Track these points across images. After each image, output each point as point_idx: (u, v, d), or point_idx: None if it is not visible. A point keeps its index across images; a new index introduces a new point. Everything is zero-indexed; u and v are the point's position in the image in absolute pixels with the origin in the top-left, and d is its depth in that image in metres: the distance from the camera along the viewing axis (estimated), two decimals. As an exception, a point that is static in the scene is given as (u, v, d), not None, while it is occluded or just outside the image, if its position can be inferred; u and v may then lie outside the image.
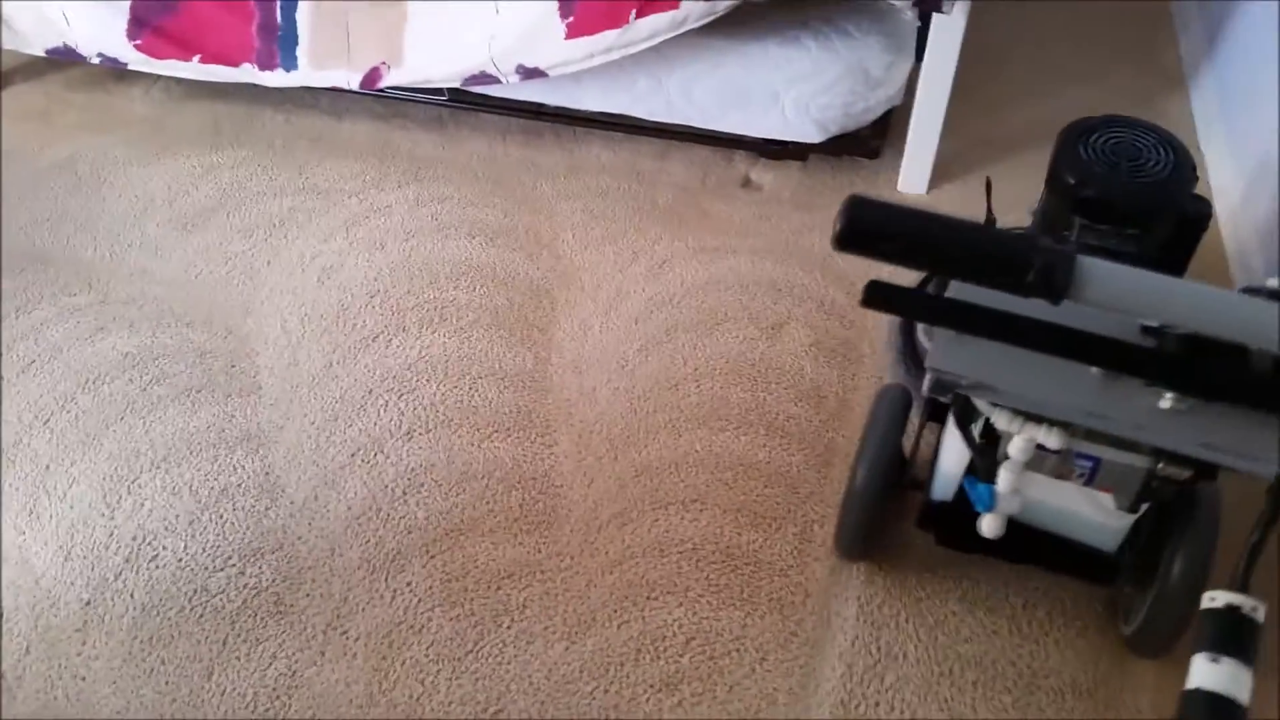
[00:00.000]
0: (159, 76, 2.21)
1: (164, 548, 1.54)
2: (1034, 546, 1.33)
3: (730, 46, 1.88)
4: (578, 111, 2.06)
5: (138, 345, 1.82)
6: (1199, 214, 1.30)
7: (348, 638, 1.45)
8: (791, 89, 1.90)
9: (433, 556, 1.52)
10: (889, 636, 1.43)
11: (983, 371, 0.72)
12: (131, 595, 1.49)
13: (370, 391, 1.74)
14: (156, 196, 2.09)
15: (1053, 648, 1.41)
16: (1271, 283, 1.22)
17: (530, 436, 1.67)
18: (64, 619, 1.46)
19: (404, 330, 1.83)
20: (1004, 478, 1.18)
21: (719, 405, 1.70)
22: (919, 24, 1.83)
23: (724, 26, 1.80)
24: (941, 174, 2.02)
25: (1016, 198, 2.01)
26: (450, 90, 2.07)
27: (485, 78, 1.91)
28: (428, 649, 1.43)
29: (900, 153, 2.00)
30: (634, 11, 1.73)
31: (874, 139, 2.00)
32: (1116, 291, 0.63)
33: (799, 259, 1.93)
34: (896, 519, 1.48)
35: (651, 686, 1.39)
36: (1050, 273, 0.58)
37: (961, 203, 2.01)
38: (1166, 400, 0.70)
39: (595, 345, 1.81)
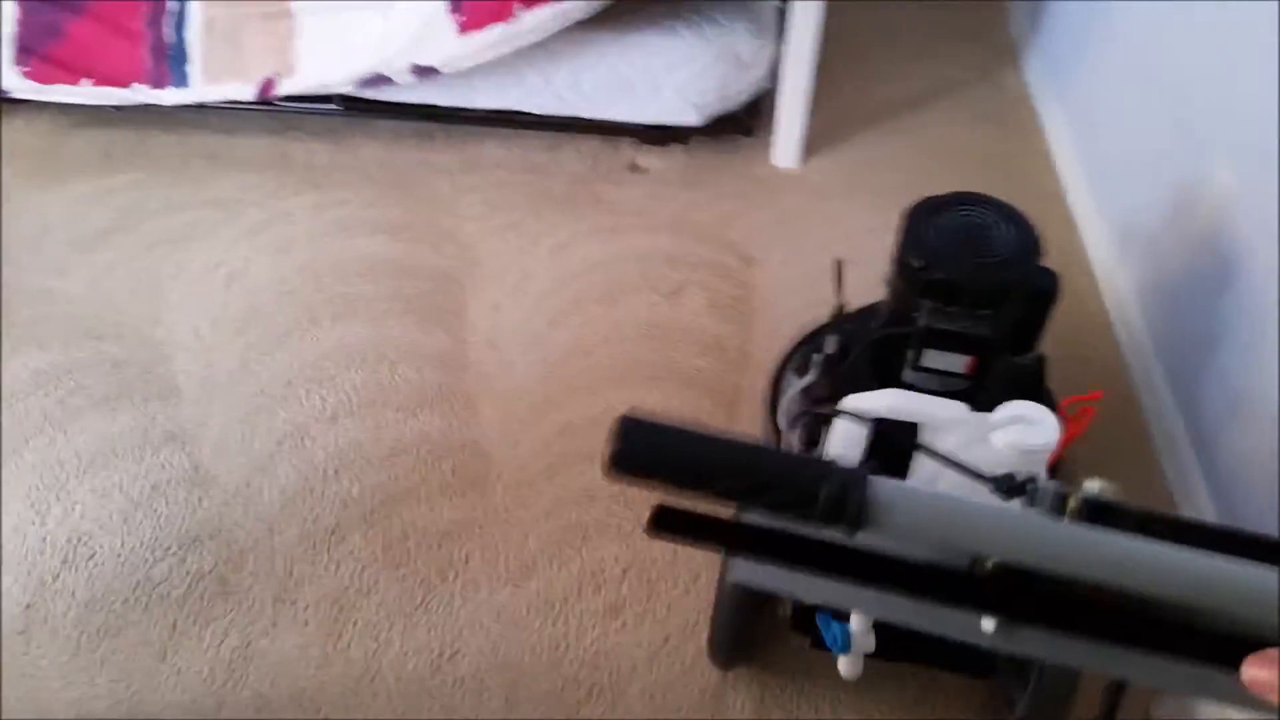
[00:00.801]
0: (45, 107, 2.21)
1: (100, 546, 1.55)
2: (909, 644, 1.20)
3: (612, 39, 2.02)
4: (471, 111, 2.16)
5: (49, 362, 1.82)
6: (1047, 288, 1.29)
7: (297, 607, 1.49)
8: (671, 76, 2.04)
9: (371, 526, 1.58)
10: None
11: (788, 581, 0.67)
12: (73, 594, 1.50)
13: (289, 383, 1.79)
14: (53, 221, 2.09)
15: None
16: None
17: (454, 409, 1.75)
18: (5, 624, 1.46)
19: (317, 324, 1.89)
20: (856, 622, 1.16)
21: (630, 365, 1.82)
22: (780, 6, 2.01)
23: (605, 20, 1.93)
24: (812, 147, 2.20)
25: (884, 161, 2.22)
26: (342, 99, 2.14)
27: (379, 79, 2.00)
28: (377, 609, 1.49)
29: (774, 131, 2.17)
30: (519, 6, 1.85)
31: (749, 119, 2.16)
32: (920, 520, 0.56)
33: (690, 231, 2.07)
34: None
35: (596, 615, 1.48)
36: (841, 500, 0.53)
37: (833, 171, 2.19)
38: (989, 621, 0.64)
39: (508, 322, 1.90)
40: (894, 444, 1.07)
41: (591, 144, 2.25)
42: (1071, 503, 0.57)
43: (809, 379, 1.38)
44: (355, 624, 1.47)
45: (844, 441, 1.08)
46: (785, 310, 1.90)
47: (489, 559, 1.54)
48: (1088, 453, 1.43)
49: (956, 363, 1.25)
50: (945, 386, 1.28)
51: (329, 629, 1.46)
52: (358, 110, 2.20)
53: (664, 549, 1.54)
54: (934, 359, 1.25)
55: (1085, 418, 1.33)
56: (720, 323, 1.89)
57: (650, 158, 2.23)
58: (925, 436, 1.06)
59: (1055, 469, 1.35)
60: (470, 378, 1.80)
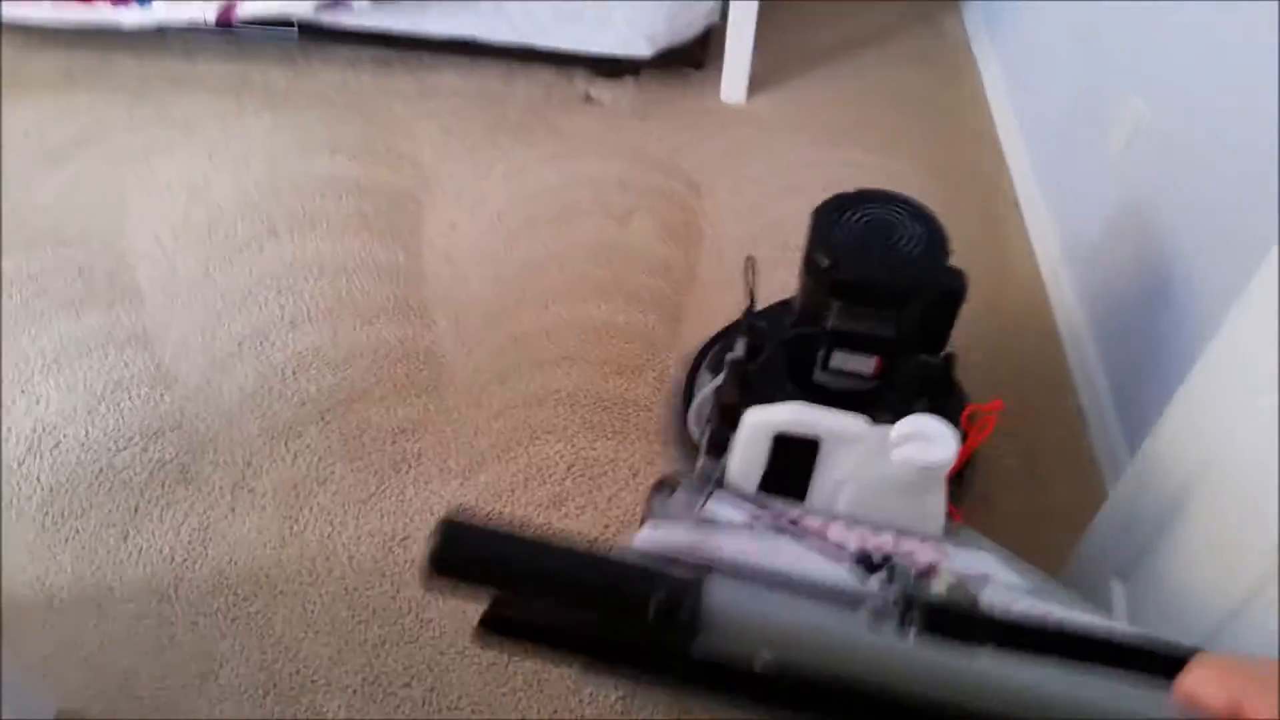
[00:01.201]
0: (4, 28, 2.23)
1: (65, 435, 1.62)
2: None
3: (565, -32, 2.09)
4: (426, 37, 2.21)
5: (12, 267, 1.87)
6: (955, 288, 1.27)
7: (255, 494, 1.56)
8: (621, 6, 2.11)
9: (328, 422, 1.66)
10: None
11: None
12: (38, 479, 1.56)
13: (249, 291, 1.85)
14: (16, 136, 2.12)
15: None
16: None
17: (410, 319, 1.82)
18: (-30, 503, 1.52)
19: (276, 237, 1.95)
20: None
21: (581, 282, 1.90)
22: (729, -59, 2.09)
23: (558, -51, 2.00)
24: (758, 84, 2.29)
25: (826, 100, 2.31)
26: (300, 25, 2.19)
27: (337, 2, 2.05)
28: (333, 496, 1.57)
29: (719, 66, 2.25)
30: (476, -68, 1.91)
31: (698, 51, 2.24)
32: (752, 631, 0.52)
33: (641, 160, 2.15)
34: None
35: (541, 505, 1.57)
36: (673, 609, 0.50)
37: (778, 107, 2.29)
38: None
39: (463, 239, 1.97)
40: (796, 454, 1.06)
41: (546, 75, 2.32)
42: (919, 604, 0.55)
43: (721, 379, 1.38)
44: (311, 510, 1.55)
45: (747, 452, 1.07)
46: (731, 236, 2.00)
47: (441, 454, 1.63)
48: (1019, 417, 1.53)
49: (865, 364, 1.26)
50: (855, 386, 1.29)
51: (286, 514, 1.54)
52: (315, 36, 2.25)
53: (606, 448, 1.64)
54: (842, 360, 1.25)
55: (988, 427, 1.29)
56: (668, 245, 1.98)
57: (603, 89, 2.31)
58: (826, 450, 1.06)
59: (960, 475, 1.38)
60: (426, 290, 1.88)
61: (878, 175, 2.10)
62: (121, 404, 1.66)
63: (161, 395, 1.68)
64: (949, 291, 1.27)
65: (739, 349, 1.38)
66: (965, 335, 1.80)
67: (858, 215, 1.27)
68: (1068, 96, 1.91)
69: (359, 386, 1.71)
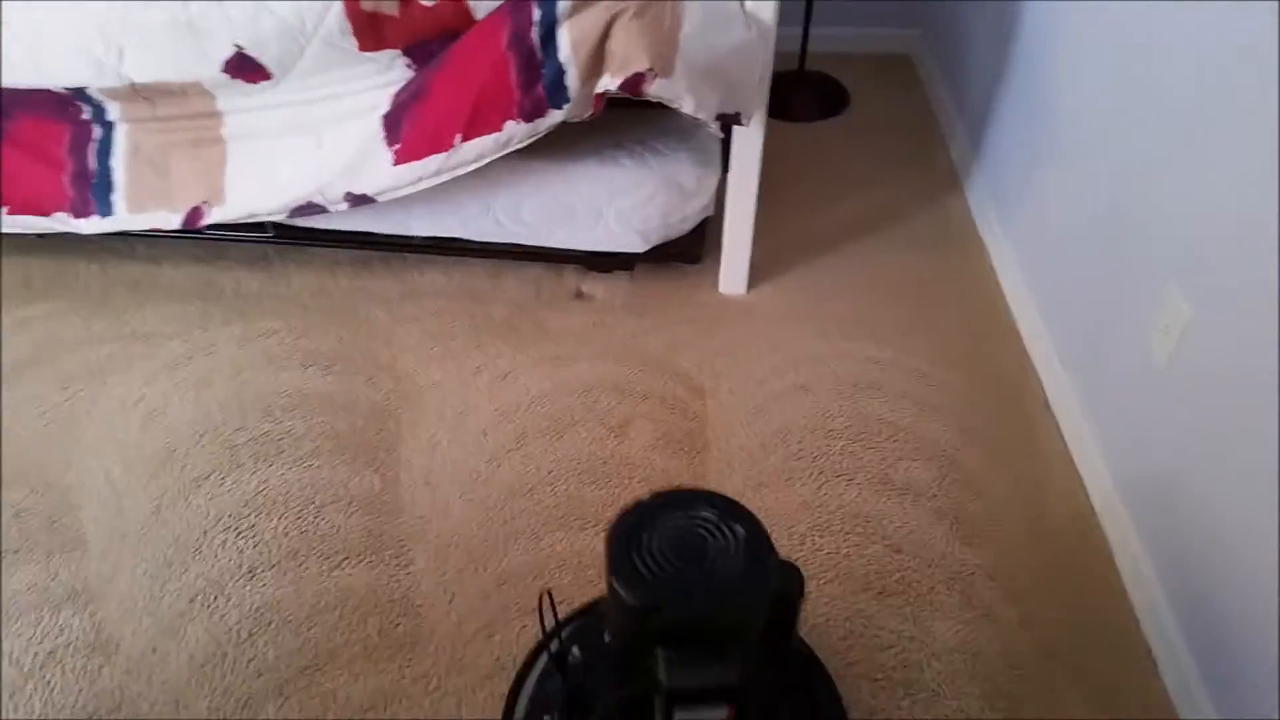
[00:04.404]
0: (-43, 232, 2.11)
1: (-20, 725, 1.40)
2: None
3: (552, 167, 1.98)
4: (408, 239, 2.10)
5: (-59, 511, 1.68)
6: (791, 587, 1.09)
7: (200, 795, 1.34)
8: (613, 204, 2.00)
9: (287, 698, 1.44)
10: None
11: None
12: (-58, 784, 1.34)
13: (205, 533, 1.66)
14: (-42, 354, 1.97)
15: None
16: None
17: (384, 559, 1.63)
18: None
19: (238, 466, 1.77)
20: None
21: (576, 506, 1.72)
22: (722, 137, 1.99)
23: (545, 148, 1.89)
24: (758, 274, 2.16)
25: (830, 290, 2.18)
26: (275, 226, 2.08)
27: (312, 208, 1.93)
28: (291, 794, 1.34)
29: (719, 258, 2.13)
30: (459, 135, 1.80)
31: (694, 246, 2.13)
32: None
33: (637, 361, 2.00)
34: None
35: (534, 797, 1.34)
36: None
37: (780, 299, 2.15)
38: None
39: (445, 460, 1.80)
40: None
41: (534, 271, 2.19)
42: None
43: None
44: (265, 813, 1.32)
45: None
46: (738, 444, 1.83)
47: (417, 732, 1.41)
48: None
49: (715, 715, 1.04)
50: None
51: (235, 820, 1.31)
52: (291, 238, 2.13)
53: None
54: (688, 713, 1.04)
55: None
56: (670, 457, 1.81)
57: (595, 285, 2.18)
58: None
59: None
60: (403, 522, 1.69)
61: (893, 371, 1.96)
62: (52, 680, 1.45)
63: (100, 668, 1.47)
64: (787, 592, 1.08)
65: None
66: (1009, 562, 1.62)
67: (662, 532, 1.03)
68: (1094, 288, 1.77)
69: (324, 649, 1.50)
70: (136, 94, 1.88)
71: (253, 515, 1.69)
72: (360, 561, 1.62)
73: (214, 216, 1.96)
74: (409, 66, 1.84)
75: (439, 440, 1.83)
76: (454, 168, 1.84)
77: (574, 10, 1.72)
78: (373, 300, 2.13)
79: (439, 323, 2.08)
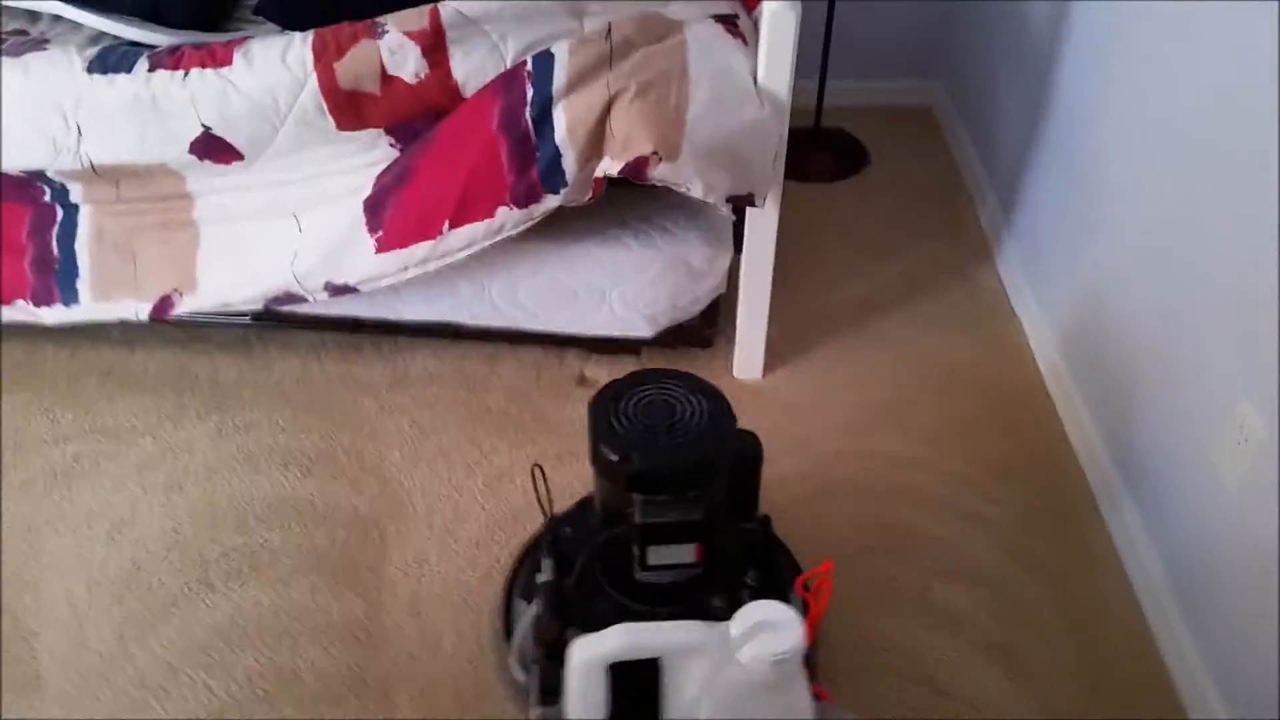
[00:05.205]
0: (-85, 319, 1.97)
1: None
2: None
3: (551, 249, 1.83)
4: (398, 322, 1.95)
5: (-120, 646, 1.53)
6: (751, 452, 1.31)
7: None
8: (617, 286, 1.85)
9: None
10: None
11: None
12: None
13: (171, 669, 1.51)
14: (-89, 460, 1.82)
15: None
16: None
17: (365, 703, 1.47)
18: None
19: (209, 587, 1.62)
20: None
21: (576, 634, 1.56)
22: (734, 218, 1.84)
23: (543, 229, 1.74)
24: (774, 357, 2.00)
25: (853, 375, 2.02)
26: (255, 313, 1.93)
27: (290, 297, 1.78)
28: None
29: (732, 339, 1.97)
30: (447, 222, 1.66)
31: (705, 328, 1.97)
32: None
33: (644, 458, 1.83)
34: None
35: None
36: None
37: (799, 385, 1.99)
38: None
39: (434, 580, 1.64)
40: (639, 681, 1.03)
41: (533, 355, 2.04)
42: None
43: (535, 610, 1.29)
44: None
45: (585, 696, 1.02)
46: (753, 556, 1.66)
47: None
48: None
49: (684, 552, 1.22)
50: (680, 577, 1.26)
51: None
52: (274, 321, 1.98)
53: None
54: (660, 554, 1.22)
55: (825, 591, 1.25)
56: (679, 573, 1.64)
57: (599, 369, 2.02)
58: (670, 667, 1.03)
59: (815, 648, 1.35)
60: (386, 658, 1.53)
61: (924, 474, 1.80)
62: None
63: (43, 839, 1.31)
64: (747, 456, 1.33)
65: (547, 569, 1.32)
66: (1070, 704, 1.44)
67: (634, 401, 1.25)
68: (1147, 386, 1.60)
69: (297, 812, 1.34)
70: (99, 175, 1.74)
71: (225, 648, 1.53)
72: (338, 705, 1.46)
73: (185, 306, 1.82)
74: (393, 145, 1.70)
75: (427, 556, 1.67)
76: (442, 256, 1.70)
77: (571, 88, 1.57)
78: (359, 388, 1.98)
79: (430, 414, 1.92)
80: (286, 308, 1.84)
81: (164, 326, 2.05)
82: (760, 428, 1.89)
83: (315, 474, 1.80)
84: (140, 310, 1.83)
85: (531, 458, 1.82)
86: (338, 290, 1.76)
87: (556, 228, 1.80)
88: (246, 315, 1.94)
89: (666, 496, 1.18)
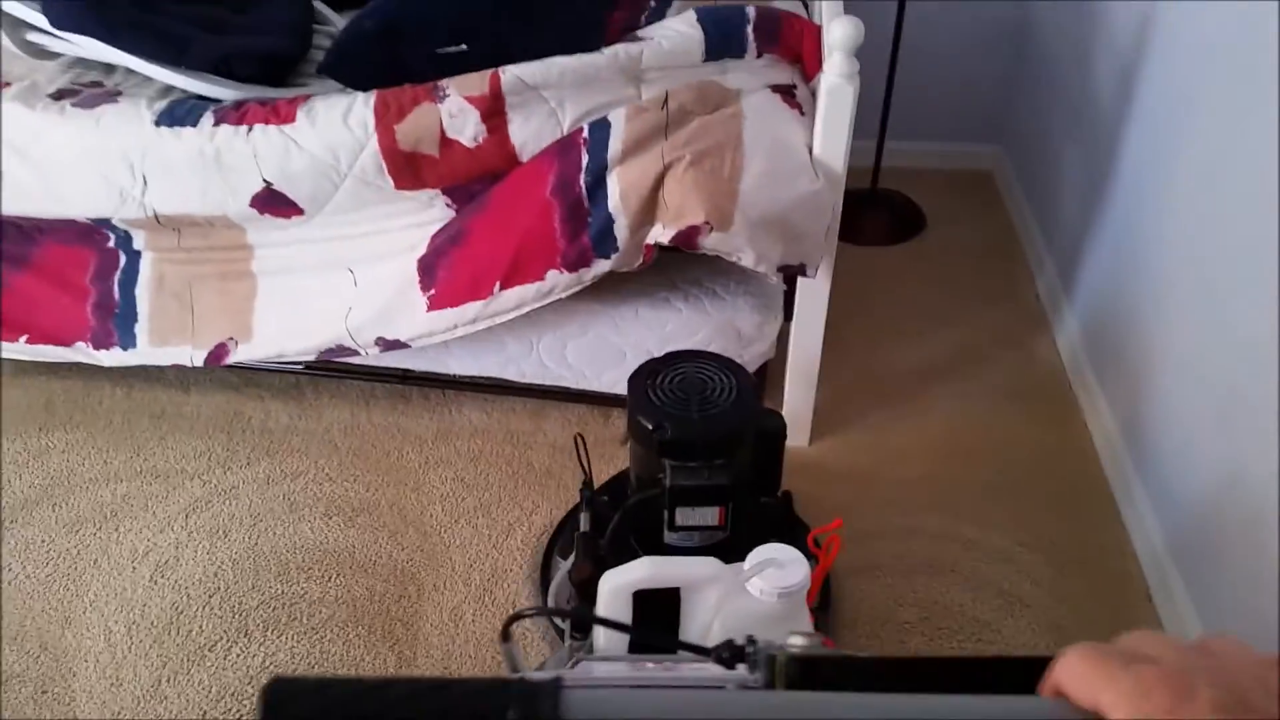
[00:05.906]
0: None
1: None
2: None
3: (600, 309, 1.83)
4: (446, 376, 1.96)
5: (-73, 678, 1.56)
6: (774, 428, 1.42)
7: None
8: (665, 349, 1.83)
9: None
10: None
11: None
12: None
13: (204, 715, 1.51)
14: (-29, 491, 1.87)
15: None
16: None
17: (394, 762, 1.46)
18: None
19: (246, 635, 1.63)
20: None
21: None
22: (785, 286, 1.83)
23: (593, 290, 1.74)
24: (822, 423, 1.98)
25: (902, 448, 1.98)
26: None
27: (342, 350, 1.80)
28: None
29: (779, 405, 1.95)
30: (498, 283, 1.67)
31: (752, 393, 1.95)
32: (623, 714, 0.54)
33: (685, 524, 1.81)
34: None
35: None
36: (531, 713, 0.50)
37: (846, 455, 1.96)
38: None
39: (468, 638, 1.63)
40: (661, 608, 1.13)
41: (579, 412, 2.04)
42: (779, 662, 0.55)
43: (571, 561, 1.44)
44: None
45: (611, 615, 1.12)
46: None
47: None
48: None
49: (709, 515, 1.34)
50: (704, 541, 1.37)
51: None
52: (325, 371, 2.01)
53: None
54: (687, 516, 1.34)
55: (834, 547, 1.39)
56: (716, 646, 1.61)
57: (643, 430, 2.01)
58: (687, 595, 1.13)
59: (825, 602, 1.58)
60: (416, 717, 1.52)
61: (973, 553, 1.75)
62: None
63: None
64: (770, 432, 1.43)
65: (584, 523, 1.49)
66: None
67: (669, 376, 1.39)
68: (1207, 471, 1.55)
69: None
70: (161, 225, 1.79)
71: (257, 695, 1.53)
72: (366, 765, 1.45)
73: (239, 355, 1.85)
74: (449, 206, 1.72)
75: (463, 613, 1.67)
76: (492, 315, 1.71)
77: (626, 156, 1.58)
78: (406, 439, 1.99)
79: (474, 469, 1.93)
80: (337, 359, 1.86)
81: (219, 370, 2.09)
82: (805, 498, 1.87)
83: (357, 524, 1.81)
84: (195, 356, 1.86)
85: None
86: (389, 345, 1.78)
87: (606, 289, 1.80)
88: (299, 363, 1.97)
89: (695, 463, 1.31)
